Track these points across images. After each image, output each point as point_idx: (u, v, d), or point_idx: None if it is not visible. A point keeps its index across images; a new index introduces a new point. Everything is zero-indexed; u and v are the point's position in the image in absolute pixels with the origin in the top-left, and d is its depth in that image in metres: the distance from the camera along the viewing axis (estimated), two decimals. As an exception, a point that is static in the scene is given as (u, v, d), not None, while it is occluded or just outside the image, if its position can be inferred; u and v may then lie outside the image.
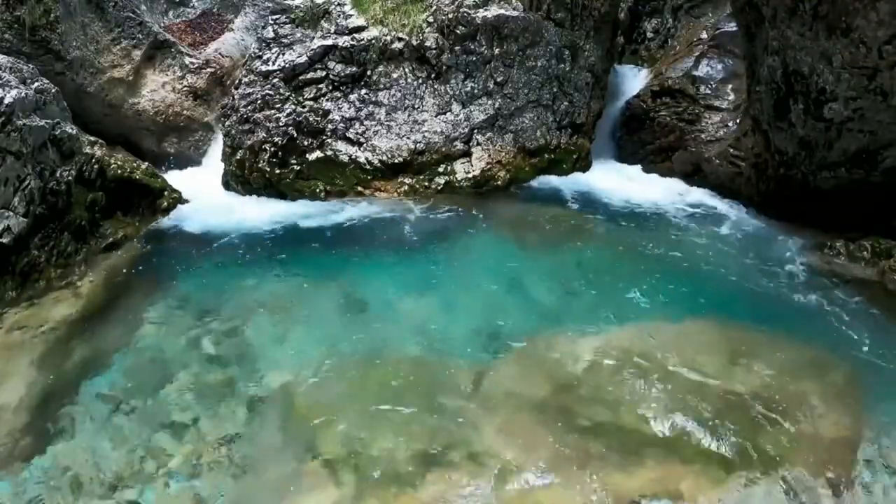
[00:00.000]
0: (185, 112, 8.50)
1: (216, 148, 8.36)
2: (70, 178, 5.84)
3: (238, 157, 7.58)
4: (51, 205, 5.57)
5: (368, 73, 7.70)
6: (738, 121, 7.70)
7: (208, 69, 8.61)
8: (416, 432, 3.75)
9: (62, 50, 7.26)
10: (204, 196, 7.47)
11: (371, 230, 6.72)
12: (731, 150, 7.53)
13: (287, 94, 7.59)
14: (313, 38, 7.73)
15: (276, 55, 7.67)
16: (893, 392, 4.08)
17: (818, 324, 4.90)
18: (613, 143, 9.10)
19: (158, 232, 6.61)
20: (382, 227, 6.77)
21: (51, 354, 4.47)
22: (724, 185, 7.62)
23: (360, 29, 7.68)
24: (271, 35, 7.81)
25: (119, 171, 6.52)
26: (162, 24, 8.68)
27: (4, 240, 5.01)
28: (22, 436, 3.76)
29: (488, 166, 7.91)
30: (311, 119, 7.56)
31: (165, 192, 7.07)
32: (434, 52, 7.71)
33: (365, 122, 7.69)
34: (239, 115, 7.57)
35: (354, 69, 7.66)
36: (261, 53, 7.76)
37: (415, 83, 7.80)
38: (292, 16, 7.89)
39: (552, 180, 8.18)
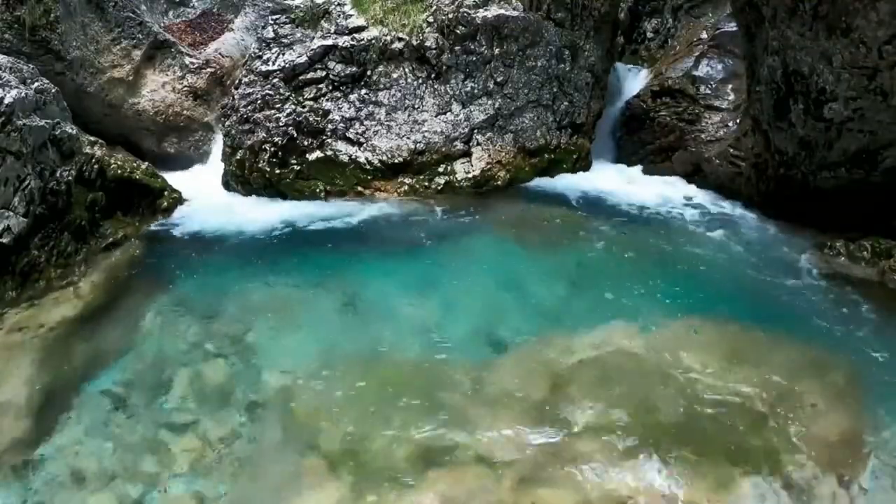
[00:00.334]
0: (185, 112, 8.50)
1: (216, 148, 8.36)
2: (70, 178, 5.84)
3: (238, 157, 7.58)
4: (51, 205, 5.57)
5: (368, 73, 7.70)
6: (738, 121, 7.70)
7: (208, 69, 8.61)
8: (416, 432, 3.75)
9: (62, 50, 7.26)
10: (204, 196, 7.47)
11: (371, 230, 6.72)
12: (731, 150, 7.53)
13: (287, 94, 7.59)
14: (313, 38, 7.73)
15: (276, 55, 7.67)
16: (893, 392, 4.08)
17: (818, 324, 4.90)
18: (613, 143, 9.10)
19: (158, 232, 6.61)
20: (382, 228, 6.77)
21: (51, 354, 4.46)
22: (724, 185, 7.62)
23: (360, 29, 7.69)
24: (271, 35, 7.81)
25: (119, 171, 6.52)
26: (162, 24, 8.68)
27: (4, 240, 5.01)
28: (22, 436, 3.76)
29: (488, 166, 7.91)
30: (311, 119, 7.56)
31: (165, 193, 7.07)
32: (434, 52, 7.71)
33: (365, 122, 7.69)
34: (239, 115, 7.57)
35: (354, 69, 7.66)
36: (261, 53, 7.76)
37: (415, 83, 7.80)
38: (292, 16, 7.89)
39: (552, 180, 8.18)
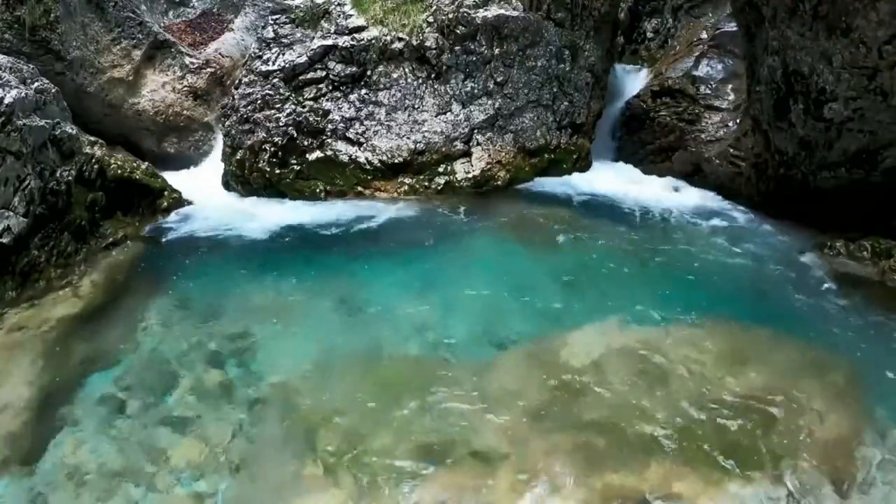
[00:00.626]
0: (185, 112, 8.50)
1: (216, 148, 8.37)
2: (70, 178, 5.84)
3: (238, 157, 7.58)
4: (51, 205, 5.57)
5: (368, 73, 7.70)
6: (738, 121, 7.70)
7: (208, 69, 8.61)
8: (416, 432, 3.75)
9: (62, 50, 7.26)
10: (204, 196, 7.47)
11: (371, 230, 6.72)
12: (731, 150, 7.53)
13: (287, 94, 7.59)
14: (313, 38, 7.73)
15: (276, 55, 7.67)
16: (893, 392, 4.08)
17: (818, 324, 4.90)
18: (613, 143, 9.10)
19: (158, 232, 6.61)
20: (383, 228, 6.77)
21: (51, 354, 4.46)
22: (724, 185, 7.62)
23: (360, 29, 7.69)
24: (271, 35, 7.81)
25: (119, 171, 6.52)
26: (162, 24, 8.68)
27: (4, 240, 5.01)
28: (22, 436, 3.76)
29: (488, 166, 7.91)
30: (311, 119, 7.56)
31: (165, 193, 7.07)
32: (434, 52, 7.71)
33: (365, 122, 7.69)
34: (239, 115, 7.57)
35: (354, 69, 7.66)
36: (261, 53, 7.76)
37: (415, 83, 7.80)
38: (292, 16, 7.89)
39: (552, 180, 8.18)
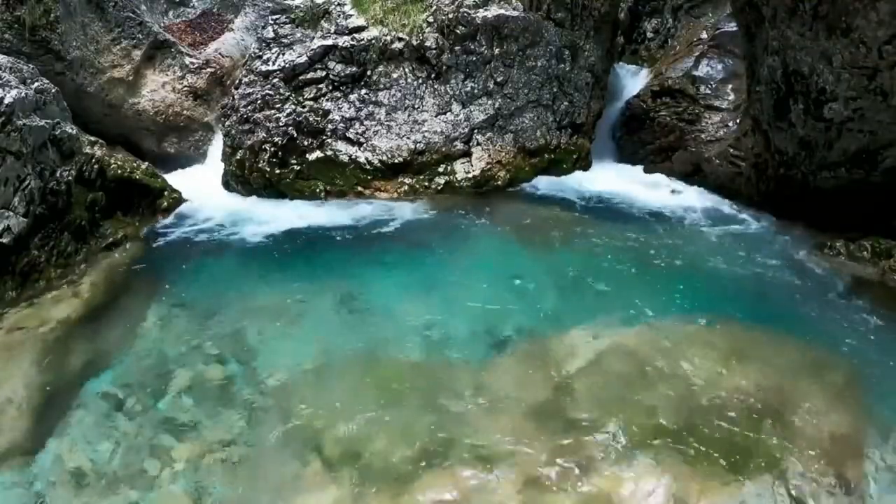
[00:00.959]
0: (185, 112, 8.50)
1: (216, 148, 8.36)
2: (70, 178, 5.84)
3: (238, 157, 7.58)
4: (51, 205, 5.57)
5: (368, 73, 7.70)
6: (738, 121, 7.70)
7: (208, 69, 8.61)
8: (417, 432, 3.75)
9: (62, 50, 7.26)
10: (204, 196, 7.47)
11: (371, 230, 6.71)
12: (731, 150, 7.53)
13: (287, 94, 7.59)
14: (313, 38, 7.73)
15: (276, 55, 7.67)
16: (893, 392, 4.08)
17: (818, 324, 4.90)
18: (613, 143, 9.10)
19: (158, 232, 6.61)
20: (382, 228, 6.77)
21: (51, 354, 4.46)
22: (724, 185, 7.62)
23: (360, 29, 7.69)
24: (271, 35, 7.81)
25: (119, 171, 6.52)
26: (162, 24, 8.68)
27: (4, 240, 5.01)
28: (22, 436, 3.76)
29: (488, 166, 7.91)
30: (311, 119, 7.56)
31: (165, 193, 7.07)
32: (434, 52, 7.71)
33: (365, 122, 7.69)
34: (239, 115, 7.57)
35: (354, 69, 7.66)
36: (261, 53, 7.76)
37: (415, 83, 7.80)
38: (292, 16, 7.89)
39: (552, 180, 8.18)
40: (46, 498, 3.37)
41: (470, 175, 7.82)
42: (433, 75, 7.82)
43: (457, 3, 7.74)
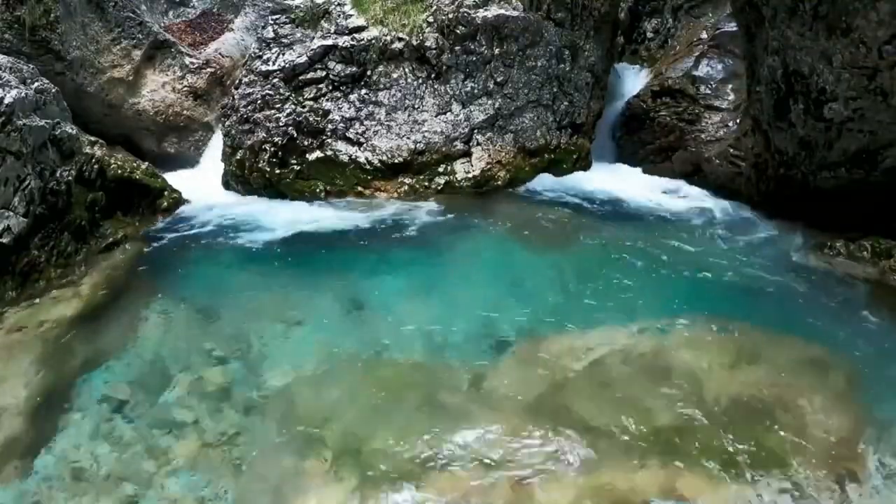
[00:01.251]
0: (185, 112, 8.51)
1: (216, 148, 8.36)
2: (70, 178, 5.84)
3: (238, 157, 7.58)
4: (51, 205, 5.57)
5: (368, 73, 7.70)
6: (738, 121, 7.71)
7: (208, 69, 8.62)
8: (417, 432, 3.74)
9: (62, 50, 7.26)
10: (204, 196, 7.47)
11: (371, 230, 6.71)
12: (731, 150, 7.54)
13: (287, 94, 7.59)
14: (313, 38, 7.74)
15: (276, 55, 7.68)
16: (893, 392, 4.08)
17: (818, 324, 4.90)
18: (613, 143, 9.10)
19: (158, 232, 6.61)
20: (382, 228, 6.77)
21: (51, 354, 4.46)
22: (725, 185, 7.62)
23: (360, 29, 7.69)
24: (271, 35, 7.82)
25: (119, 171, 6.52)
26: (162, 24, 8.69)
27: (4, 240, 5.01)
28: (22, 436, 3.76)
29: (488, 166, 7.91)
30: (311, 119, 7.57)
31: (165, 192, 7.07)
32: (434, 52, 7.71)
33: (365, 122, 7.69)
34: (239, 115, 7.57)
35: (354, 69, 7.67)
36: (261, 53, 7.76)
37: (415, 83, 7.81)
38: (292, 16, 7.90)
39: (552, 180, 8.18)
40: (46, 498, 3.37)
41: (470, 175, 7.82)
42: (433, 75, 7.82)
43: (457, 3, 7.74)
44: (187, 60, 8.49)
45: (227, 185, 7.84)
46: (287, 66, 7.59)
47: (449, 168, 7.84)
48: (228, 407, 4.00)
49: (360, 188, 7.63)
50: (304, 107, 7.58)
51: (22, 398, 4.03)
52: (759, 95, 6.76)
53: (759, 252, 6.14)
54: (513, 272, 5.77)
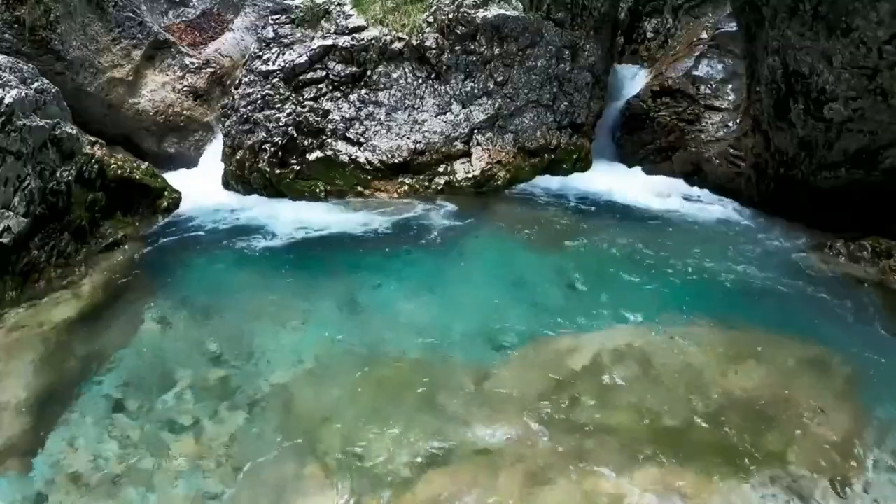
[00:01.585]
0: (185, 112, 8.50)
1: (216, 148, 8.36)
2: (70, 178, 5.84)
3: (238, 157, 7.58)
4: (51, 205, 5.57)
5: (368, 73, 7.70)
6: (738, 121, 7.71)
7: (208, 69, 8.62)
8: (416, 432, 3.75)
9: (62, 50, 7.26)
10: (204, 196, 7.47)
11: (371, 230, 6.71)
12: (731, 150, 7.54)
13: (287, 94, 7.59)
14: (313, 38, 7.74)
15: (276, 55, 7.67)
16: (893, 392, 4.08)
17: (818, 324, 4.90)
18: (613, 143, 9.11)
19: (158, 232, 6.61)
20: (382, 228, 6.77)
21: (51, 354, 4.46)
22: (725, 185, 7.62)
23: (360, 29, 7.69)
24: (271, 35, 7.81)
25: (119, 171, 6.52)
26: (162, 24, 8.67)
27: (4, 240, 5.01)
28: (22, 436, 3.76)
29: (488, 166, 7.91)
30: (311, 119, 7.56)
31: (165, 192, 7.07)
32: (434, 52, 7.71)
33: (365, 122, 7.69)
34: (239, 115, 7.57)
35: (354, 69, 7.66)
36: (261, 53, 7.76)
37: (415, 83, 7.81)
38: (292, 16, 7.90)
39: (552, 180, 8.19)
40: (46, 498, 3.37)
41: (470, 175, 7.82)
42: (433, 75, 7.82)
43: (457, 3, 7.74)
44: (187, 60, 8.49)
45: (227, 184, 7.84)
46: (287, 66, 7.59)
47: (449, 168, 7.84)
48: (228, 407, 4.01)
49: (360, 188, 7.63)
50: (304, 107, 7.58)
51: (22, 398, 4.03)
52: (759, 95, 6.76)
53: (759, 252, 6.14)
54: (513, 272, 5.77)
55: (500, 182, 7.92)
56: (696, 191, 7.84)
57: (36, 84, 5.75)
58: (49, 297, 5.20)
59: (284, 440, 3.72)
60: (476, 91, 7.93)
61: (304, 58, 7.59)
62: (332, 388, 4.16)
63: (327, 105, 7.64)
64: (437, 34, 7.71)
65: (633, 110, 8.81)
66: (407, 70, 7.77)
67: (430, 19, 7.73)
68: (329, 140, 7.62)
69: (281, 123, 7.47)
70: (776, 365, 4.31)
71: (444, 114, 7.88)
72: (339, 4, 7.91)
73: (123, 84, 8.02)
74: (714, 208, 7.35)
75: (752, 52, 6.81)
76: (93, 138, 6.49)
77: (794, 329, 4.75)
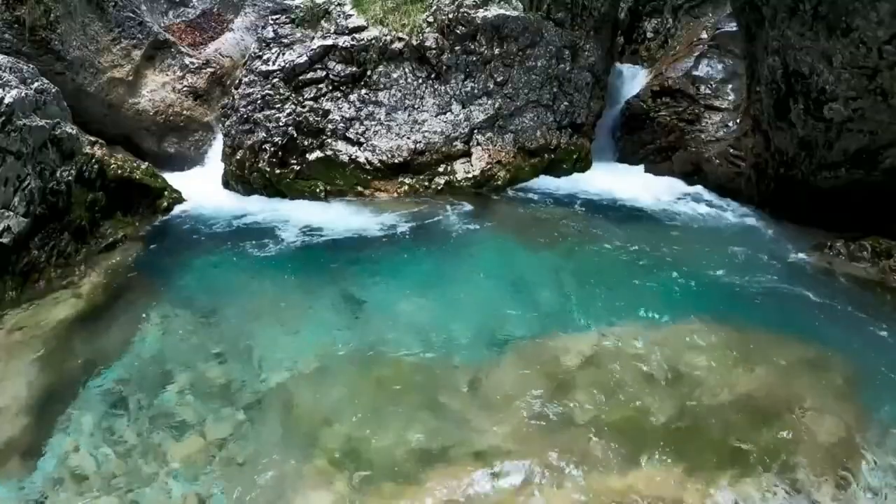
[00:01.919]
0: (185, 112, 8.50)
1: (216, 148, 8.37)
2: (70, 178, 5.84)
3: (238, 157, 7.58)
4: (51, 205, 5.56)
5: (368, 73, 7.70)
6: (738, 121, 7.71)
7: (208, 69, 8.61)
8: (416, 431, 3.75)
9: (62, 50, 7.25)
10: (204, 196, 7.47)
11: (371, 230, 6.71)
12: (731, 150, 7.54)
13: (287, 94, 7.59)
14: (313, 38, 7.74)
15: (276, 55, 7.67)
16: (893, 392, 4.08)
17: (818, 324, 4.90)
18: (613, 143, 9.11)
19: (158, 232, 6.61)
20: (382, 228, 6.77)
21: (51, 354, 4.46)
22: (724, 185, 7.62)
23: (360, 29, 7.69)
24: (271, 35, 7.81)
25: (119, 171, 6.52)
26: (162, 24, 8.67)
27: (4, 240, 5.01)
28: (22, 436, 3.76)
29: (488, 166, 7.91)
30: (311, 119, 7.56)
31: (165, 192, 7.07)
32: (434, 52, 7.71)
33: (365, 122, 7.69)
34: (239, 115, 7.57)
35: (354, 69, 7.66)
36: (261, 53, 7.76)
37: (415, 83, 7.81)
38: (292, 16, 7.90)
39: (552, 180, 8.19)
40: (47, 498, 3.37)
41: (470, 175, 7.82)
42: (433, 75, 7.82)
43: (457, 3, 7.74)
44: (187, 60, 8.49)
45: (226, 184, 7.84)
46: (287, 66, 7.58)
47: (449, 168, 7.84)
48: (228, 407, 4.00)
49: (359, 188, 7.63)
50: (304, 107, 7.58)
51: (23, 398, 4.03)
52: (759, 95, 6.76)
53: (759, 252, 6.14)
54: (513, 272, 5.77)
55: (499, 182, 7.92)
56: (696, 191, 7.84)
57: (36, 84, 5.75)
58: (49, 297, 5.19)
59: (285, 439, 3.72)
60: (476, 91, 7.94)
61: (304, 58, 7.59)
62: (332, 388, 4.16)
63: (327, 105, 7.64)
64: (437, 34, 7.71)
65: (633, 110, 8.82)
66: (407, 70, 7.77)
67: (430, 19, 7.73)
68: (329, 140, 7.62)
69: (281, 123, 7.47)
70: (776, 365, 4.31)
71: (444, 114, 7.88)
72: (339, 4, 7.91)
73: (123, 84, 8.02)
74: (714, 208, 7.35)
75: (752, 52, 6.81)
76: (93, 138, 6.49)
77: (794, 329, 4.76)
